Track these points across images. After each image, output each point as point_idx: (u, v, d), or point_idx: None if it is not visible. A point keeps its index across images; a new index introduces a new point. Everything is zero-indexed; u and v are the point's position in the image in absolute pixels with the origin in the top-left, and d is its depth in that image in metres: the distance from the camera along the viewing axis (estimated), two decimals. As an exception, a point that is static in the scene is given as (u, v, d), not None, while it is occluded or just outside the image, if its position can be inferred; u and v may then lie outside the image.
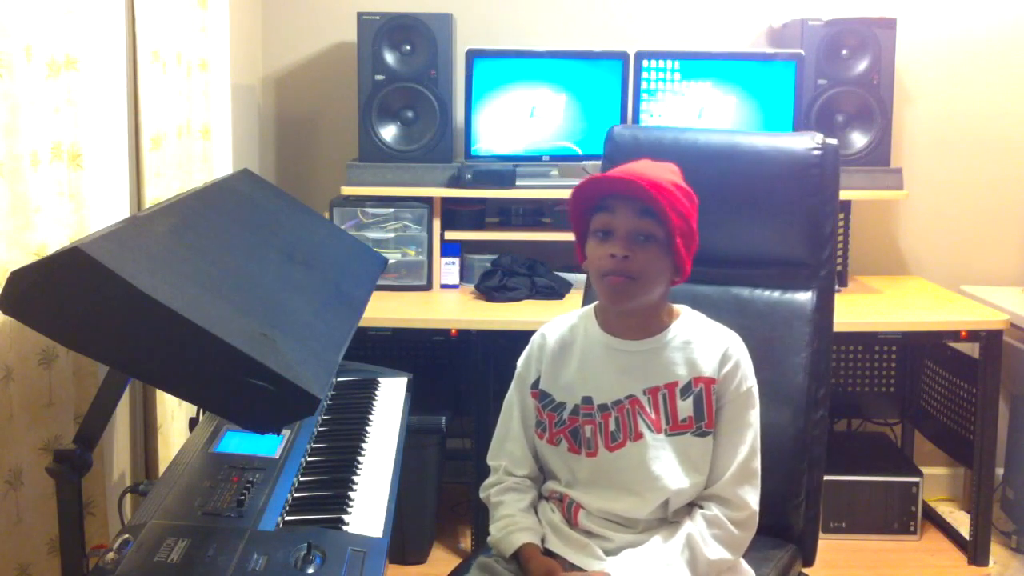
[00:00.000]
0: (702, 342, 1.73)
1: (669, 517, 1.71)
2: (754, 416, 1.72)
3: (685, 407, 1.69)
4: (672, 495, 1.68)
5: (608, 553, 1.68)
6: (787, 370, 1.93)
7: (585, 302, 2.04)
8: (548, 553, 1.70)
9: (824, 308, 1.99)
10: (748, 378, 1.72)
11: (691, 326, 1.75)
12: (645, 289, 1.67)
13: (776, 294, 1.99)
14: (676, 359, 1.71)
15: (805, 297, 1.98)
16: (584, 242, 1.73)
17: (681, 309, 1.78)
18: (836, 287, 3.22)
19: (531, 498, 1.79)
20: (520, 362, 1.84)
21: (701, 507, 1.69)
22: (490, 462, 1.85)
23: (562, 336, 1.80)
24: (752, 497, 1.69)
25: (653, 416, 1.70)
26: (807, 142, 2.01)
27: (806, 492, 1.95)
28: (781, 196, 2.01)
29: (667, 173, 1.68)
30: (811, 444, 1.95)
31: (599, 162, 3.22)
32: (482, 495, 1.83)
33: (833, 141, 2.01)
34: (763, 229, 2.02)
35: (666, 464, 1.68)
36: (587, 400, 1.73)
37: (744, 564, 1.73)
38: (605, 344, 1.75)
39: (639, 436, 1.70)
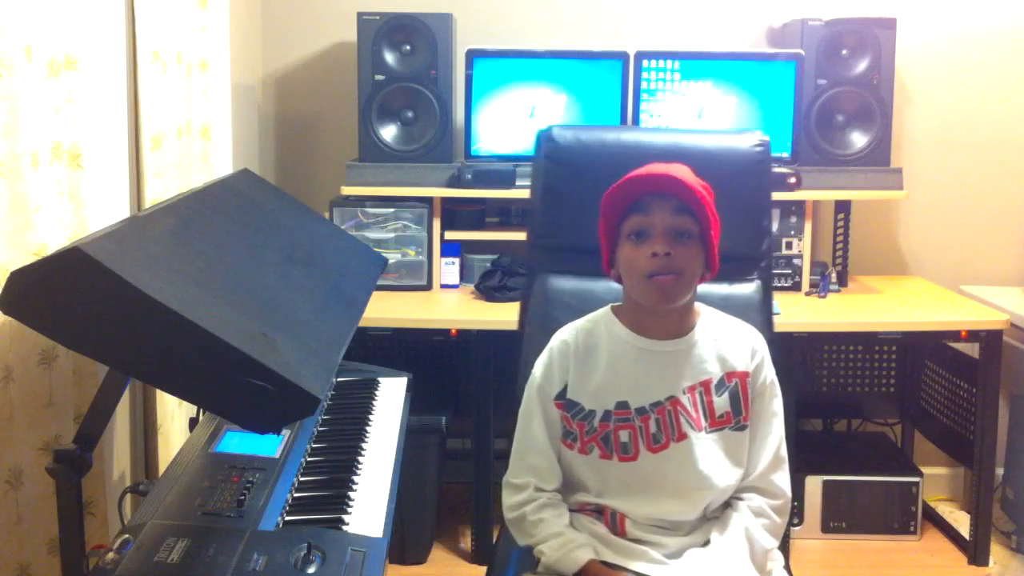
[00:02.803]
0: (729, 338, 1.75)
1: (708, 515, 1.72)
2: (778, 405, 1.75)
3: (721, 403, 1.71)
4: (719, 492, 1.69)
5: (670, 558, 1.68)
6: None
7: (531, 306, 2.03)
8: (606, 565, 1.66)
9: (768, 298, 2.05)
10: (771, 369, 1.76)
11: (715, 323, 1.77)
12: (689, 285, 1.69)
13: (725, 287, 2.02)
14: (707, 356, 1.73)
15: (751, 288, 2.04)
16: (613, 248, 1.72)
17: (700, 307, 1.79)
18: (836, 287, 3.27)
19: (567, 512, 1.73)
20: (538, 372, 1.78)
21: (741, 499, 1.71)
22: (513, 480, 1.76)
23: (584, 341, 1.77)
24: (786, 483, 1.72)
25: (694, 415, 1.70)
26: (751, 140, 2.07)
27: None
28: (725, 193, 2.02)
29: (688, 172, 1.69)
30: None
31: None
32: (511, 515, 1.74)
33: (766, 137, 2.09)
34: None
35: (712, 461, 1.69)
36: (622, 405, 1.71)
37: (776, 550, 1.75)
38: (636, 346, 1.73)
39: (683, 436, 1.69)
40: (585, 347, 1.76)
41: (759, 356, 1.74)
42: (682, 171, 1.67)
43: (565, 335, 1.80)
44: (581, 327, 1.80)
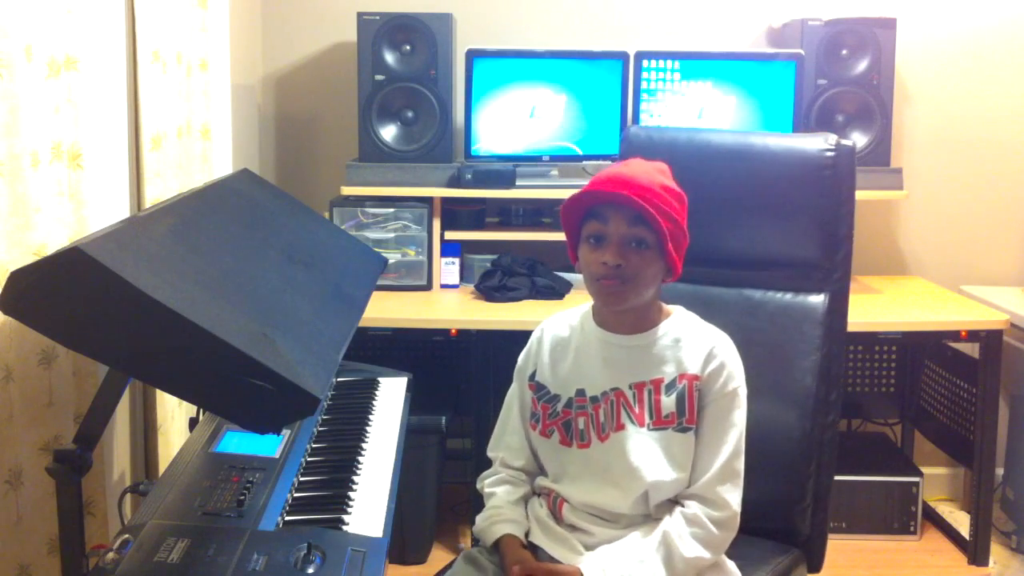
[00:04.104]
0: (690, 340, 1.74)
1: (652, 514, 1.72)
2: (738, 417, 1.71)
3: (668, 403, 1.71)
4: (649, 487, 1.69)
5: (589, 548, 1.70)
6: (795, 373, 1.93)
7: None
8: (531, 546, 1.74)
9: (837, 311, 1.97)
10: (734, 379, 1.72)
11: (681, 325, 1.77)
12: (637, 291, 1.70)
13: (787, 296, 1.98)
14: (665, 356, 1.73)
15: (817, 300, 1.96)
16: (576, 245, 1.75)
17: (674, 309, 1.80)
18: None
19: (524, 492, 1.83)
20: (521, 356, 1.88)
21: (682, 505, 1.70)
22: (489, 454, 1.89)
23: (560, 331, 1.84)
24: (733, 497, 1.69)
25: (637, 410, 1.72)
26: (819, 143, 1.98)
27: (813, 496, 1.93)
28: (793, 197, 1.99)
29: (657, 175, 1.69)
30: (820, 448, 1.94)
31: (599, 162, 3.25)
32: (478, 485, 1.88)
33: (848, 142, 1.98)
34: (775, 231, 2.01)
35: (645, 456, 1.70)
36: (580, 392, 1.77)
37: (729, 564, 1.73)
38: (598, 338, 1.78)
39: (620, 427, 1.72)
40: (560, 336, 1.84)
41: (716, 361, 1.71)
42: (646, 177, 1.67)
43: (548, 322, 1.88)
44: (564, 316, 1.87)
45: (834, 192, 1.96)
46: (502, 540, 1.73)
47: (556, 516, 1.77)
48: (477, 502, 2.94)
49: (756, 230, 2.02)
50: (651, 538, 1.67)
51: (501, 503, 1.80)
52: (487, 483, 1.85)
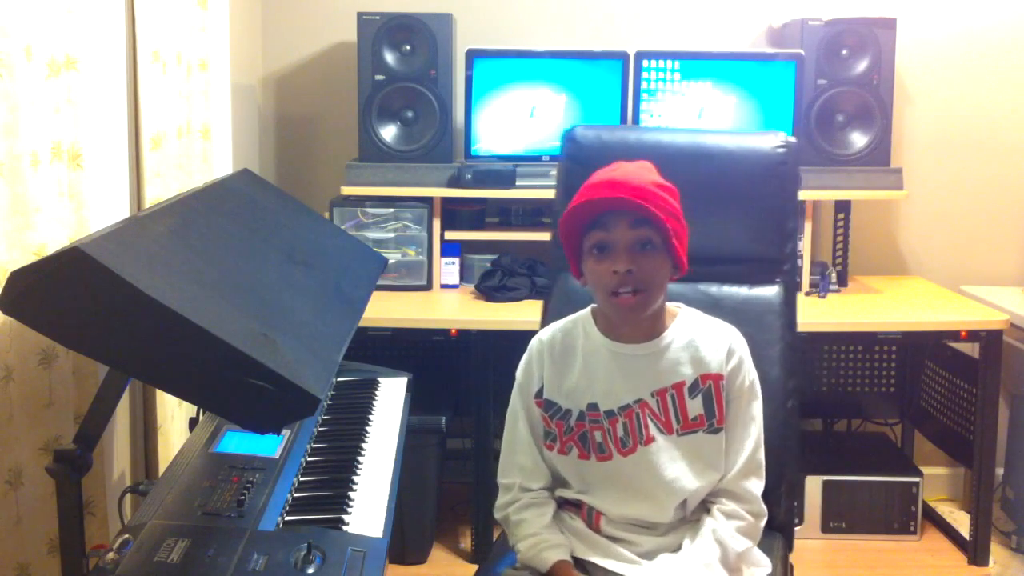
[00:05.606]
0: (705, 339, 1.72)
1: (688, 516, 1.72)
2: (757, 408, 1.73)
3: (695, 406, 1.69)
4: (689, 496, 1.69)
5: (639, 556, 1.68)
6: (763, 364, 1.93)
7: (551, 306, 2.03)
8: (577, 561, 1.69)
9: (790, 302, 2.03)
10: (750, 371, 1.73)
11: (692, 324, 1.75)
12: (653, 297, 1.67)
13: (744, 290, 2.01)
14: (681, 359, 1.71)
15: (772, 292, 2.02)
16: (579, 260, 1.71)
17: (678, 308, 1.77)
18: (836, 287, 3.26)
19: (551, 511, 1.75)
20: (520, 371, 1.80)
21: (714, 503, 1.70)
22: (501, 480, 1.79)
23: (561, 342, 1.78)
24: (757, 489, 1.71)
25: (663, 418, 1.69)
26: (772, 140, 2.04)
27: (787, 481, 1.96)
28: (747, 194, 2.04)
29: (646, 173, 1.67)
30: (786, 435, 1.96)
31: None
32: (498, 516, 1.78)
33: (792, 139, 2.05)
34: (730, 226, 2.05)
35: (680, 466, 1.68)
36: (592, 407, 1.72)
37: (757, 551, 1.74)
38: (608, 349, 1.73)
39: (650, 440, 1.69)
40: (562, 347, 1.77)
41: (736, 358, 1.71)
42: (637, 178, 1.64)
43: (544, 335, 1.81)
44: (561, 327, 1.80)
45: (786, 187, 2.04)
46: (557, 567, 1.64)
47: (594, 527, 1.72)
48: (477, 502, 2.96)
49: (711, 227, 2.04)
50: (703, 541, 1.66)
51: (538, 528, 1.70)
52: (511, 511, 1.74)
